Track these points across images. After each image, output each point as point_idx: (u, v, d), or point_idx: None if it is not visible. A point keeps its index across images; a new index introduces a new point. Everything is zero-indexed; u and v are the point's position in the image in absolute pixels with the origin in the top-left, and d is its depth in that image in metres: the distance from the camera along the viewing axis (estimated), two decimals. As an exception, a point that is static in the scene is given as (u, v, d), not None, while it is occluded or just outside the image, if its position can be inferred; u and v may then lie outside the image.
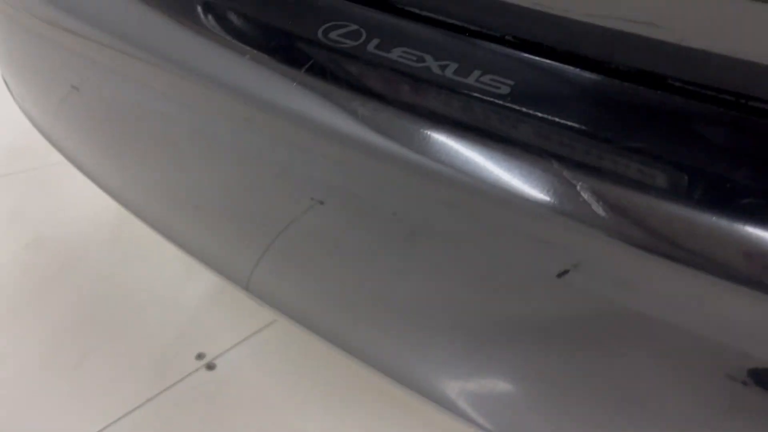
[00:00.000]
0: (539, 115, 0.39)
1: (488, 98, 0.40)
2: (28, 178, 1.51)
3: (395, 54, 0.43)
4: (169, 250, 0.77)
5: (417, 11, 0.45)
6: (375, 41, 0.44)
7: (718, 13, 0.36)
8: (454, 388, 0.55)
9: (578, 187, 0.35)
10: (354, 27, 0.46)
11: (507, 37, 0.42)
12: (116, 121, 0.67)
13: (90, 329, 1.16)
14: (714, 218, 0.32)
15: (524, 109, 0.39)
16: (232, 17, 0.51)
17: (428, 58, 0.43)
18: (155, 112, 0.58)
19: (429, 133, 0.40)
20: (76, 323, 1.17)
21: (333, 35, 0.45)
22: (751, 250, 0.31)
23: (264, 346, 1.13)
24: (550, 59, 0.41)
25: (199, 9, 0.51)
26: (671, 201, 0.33)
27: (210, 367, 1.10)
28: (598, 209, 0.34)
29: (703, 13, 0.37)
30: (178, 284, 1.24)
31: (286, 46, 0.46)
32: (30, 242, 1.33)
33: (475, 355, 0.51)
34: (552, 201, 0.36)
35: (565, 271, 0.37)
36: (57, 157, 0.93)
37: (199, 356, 1.12)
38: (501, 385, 0.51)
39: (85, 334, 1.15)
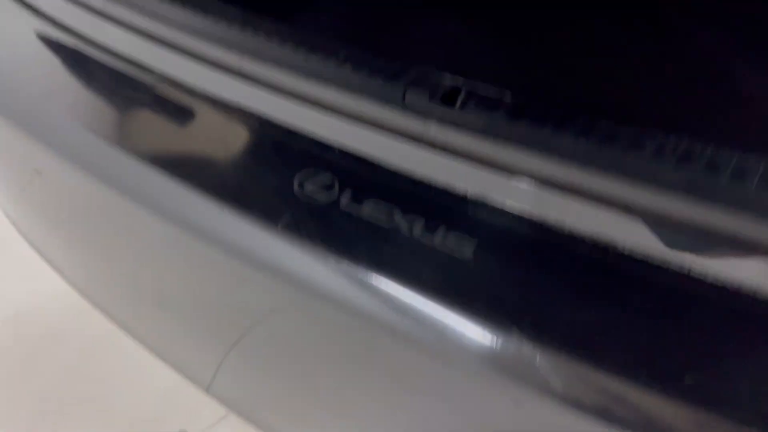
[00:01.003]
0: (503, 273, 0.41)
1: (452, 256, 0.42)
2: (2, 250, 1.49)
3: (366, 208, 0.46)
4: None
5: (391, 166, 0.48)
6: (348, 192, 0.47)
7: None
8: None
9: (537, 357, 0.38)
10: (328, 175, 0.48)
11: (472, 197, 0.45)
12: (78, 216, 0.68)
13: (67, 409, 1.15)
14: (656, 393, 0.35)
15: (488, 268, 0.42)
16: (210, 161, 0.53)
17: (396, 212, 0.45)
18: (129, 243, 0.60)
19: (400, 290, 0.42)
20: (52, 403, 1.15)
21: (307, 186, 0.48)
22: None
23: (247, 421, 1.13)
24: (512, 221, 0.43)
25: (169, 153, 0.53)
26: (612, 372, 0.36)
27: (192, 444, 1.10)
28: (556, 382, 0.37)
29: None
30: (159, 358, 1.24)
31: (256, 197, 0.49)
32: (6, 319, 1.32)
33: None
34: (508, 365, 0.38)
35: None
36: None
37: (181, 434, 1.11)
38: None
39: (62, 416, 1.13)
